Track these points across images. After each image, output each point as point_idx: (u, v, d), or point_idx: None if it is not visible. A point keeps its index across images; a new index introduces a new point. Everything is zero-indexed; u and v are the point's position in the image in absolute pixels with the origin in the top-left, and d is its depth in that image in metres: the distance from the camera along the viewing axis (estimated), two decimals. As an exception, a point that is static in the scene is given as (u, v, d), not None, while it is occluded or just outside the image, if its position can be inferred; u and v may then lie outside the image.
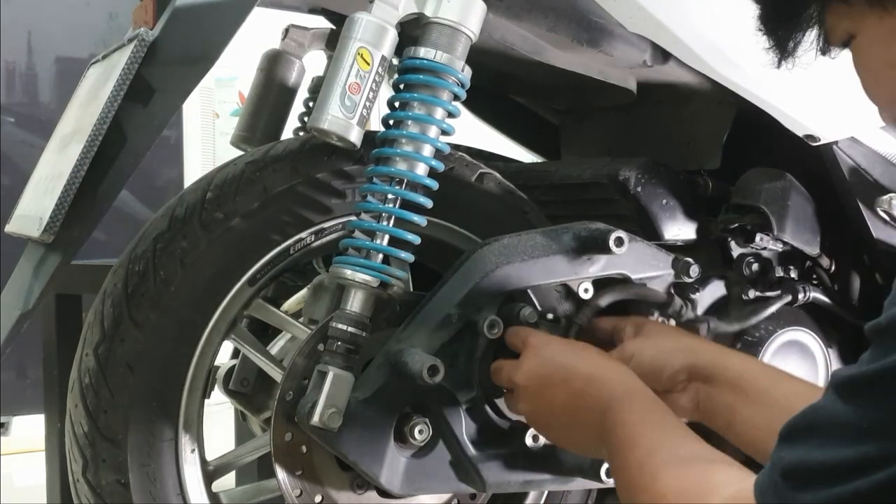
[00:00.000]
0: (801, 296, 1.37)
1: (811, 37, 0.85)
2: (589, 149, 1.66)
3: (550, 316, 1.21)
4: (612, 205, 1.37)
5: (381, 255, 1.10)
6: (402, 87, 1.12)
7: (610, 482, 1.16)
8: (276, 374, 1.18)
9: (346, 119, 1.06)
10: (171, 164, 3.73)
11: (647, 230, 1.34)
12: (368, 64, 1.07)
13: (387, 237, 1.10)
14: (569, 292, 1.22)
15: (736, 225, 1.37)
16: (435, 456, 1.15)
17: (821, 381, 1.41)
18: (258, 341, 1.23)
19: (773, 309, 1.36)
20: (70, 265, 1.09)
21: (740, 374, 1.07)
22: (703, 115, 1.46)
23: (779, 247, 1.38)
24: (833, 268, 1.45)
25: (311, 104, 1.55)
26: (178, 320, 1.11)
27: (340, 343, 1.08)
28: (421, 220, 1.13)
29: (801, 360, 1.40)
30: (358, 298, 1.09)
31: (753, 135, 1.44)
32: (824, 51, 0.85)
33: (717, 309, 1.35)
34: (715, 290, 1.35)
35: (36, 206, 1.11)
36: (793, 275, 1.41)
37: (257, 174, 1.14)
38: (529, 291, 1.19)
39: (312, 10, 1.45)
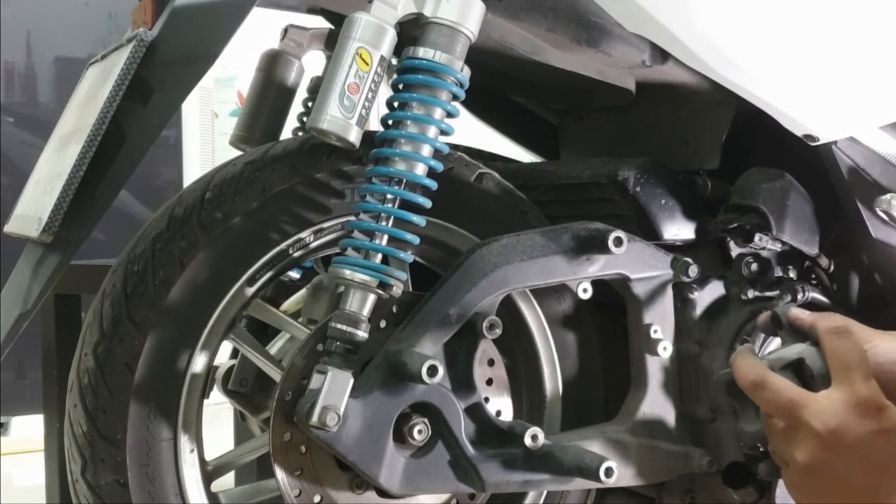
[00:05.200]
0: (799, 296, 1.37)
1: None
2: (588, 149, 1.66)
3: None
4: (611, 205, 1.37)
5: (380, 256, 1.10)
6: (400, 86, 1.12)
7: (609, 482, 1.16)
8: (275, 374, 1.18)
9: (345, 119, 1.06)
10: (169, 164, 3.74)
11: (646, 230, 1.34)
12: (367, 64, 1.07)
13: (386, 237, 1.10)
14: None
15: (735, 225, 1.37)
16: (434, 456, 1.15)
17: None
18: (257, 341, 1.23)
19: None
20: (69, 265, 1.09)
21: None
22: (701, 116, 1.46)
23: (778, 247, 1.38)
24: (832, 268, 1.45)
25: (309, 104, 1.55)
26: (177, 320, 1.11)
27: (339, 343, 1.08)
28: (420, 221, 1.13)
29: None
30: (357, 298, 1.09)
31: (752, 135, 1.44)
32: None
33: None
34: (714, 290, 1.35)
35: (35, 206, 1.11)
36: (792, 275, 1.41)
37: (256, 174, 1.14)
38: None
39: (311, 10, 1.45)
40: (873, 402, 0.96)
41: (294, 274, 1.46)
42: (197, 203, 1.12)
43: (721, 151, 1.44)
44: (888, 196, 1.39)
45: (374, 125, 1.17)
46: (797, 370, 1.04)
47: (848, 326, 1.02)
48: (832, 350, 1.00)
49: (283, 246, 1.15)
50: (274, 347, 1.38)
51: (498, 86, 1.62)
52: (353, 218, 1.12)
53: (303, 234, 1.16)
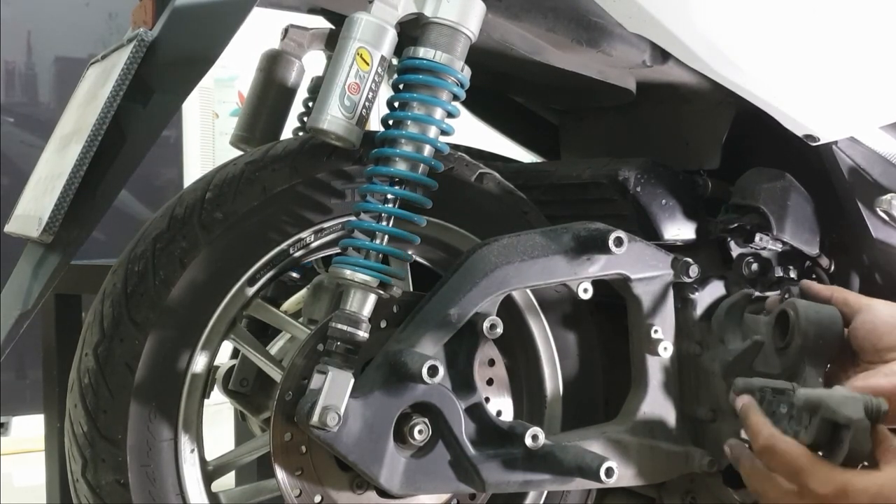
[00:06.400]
0: (800, 296, 1.37)
1: None
2: (588, 149, 1.66)
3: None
4: (611, 205, 1.37)
5: (380, 255, 1.10)
6: (401, 87, 1.12)
7: (609, 482, 1.16)
8: (276, 374, 1.18)
9: (346, 119, 1.07)
10: (170, 164, 3.73)
11: (647, 230, 1.34)
12: (368, 64, 1.07)
13: (386, 237, 1.10)
14: None
15: (735, 225, 1.37)
16: (434, 456, 1.15)
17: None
18: (258, 341, 1.23)
19: None
20: (70, 265, 1.09)
21: None
22: (702, 116, 1.46)
23: (778, 247, 1.38)
24: (832, 268, 1.45)
25: (310, 104, 1.55)
26: (178, 320, 1.11)
27: (340, 343, 1.08)
28: (420, 221, 1.13)
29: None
30: (357, 298, 1.09)
31: (753, 135, 1.44)
32: None
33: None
34: (714, 290, 1.35)
35: (35, 206, 1.11)
36: (792, 275, 1.41)
37: (257, 174, 1.14)
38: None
39: (312, 11, 1.45)
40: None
41: (294, 274, 1.46)
42: (197, 203, 1.12)
43: (721, 151, 1.44)
44: (888, 196, 1.39)
45: (375, 125, 1.17)
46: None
47: (771, 444, 1.00)
48: (774, 473, 0.99)
49: (283, 246, 1.15)
50: (274, 347, 1.38)
51: (498, 86, 1.62)
52: (353, 218, 1.12)
53: (303, 234, 1.16)
